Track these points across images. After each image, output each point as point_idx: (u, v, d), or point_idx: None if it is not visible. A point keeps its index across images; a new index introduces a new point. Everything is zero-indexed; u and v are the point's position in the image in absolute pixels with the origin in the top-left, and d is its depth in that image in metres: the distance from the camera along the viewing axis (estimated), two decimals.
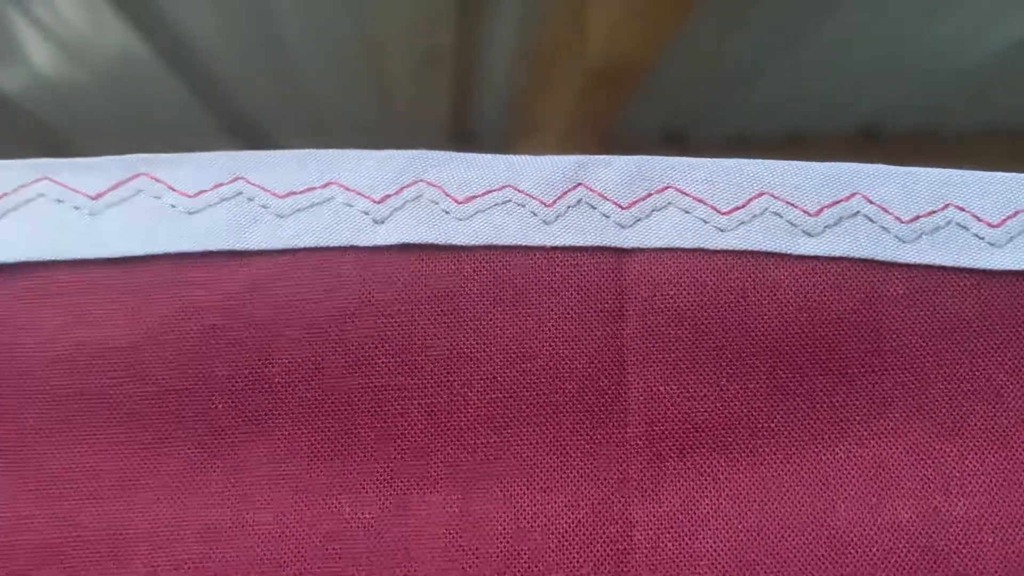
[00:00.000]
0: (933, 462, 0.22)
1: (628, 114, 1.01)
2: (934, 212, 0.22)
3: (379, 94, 1.10)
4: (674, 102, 1.17)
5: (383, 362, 0.22)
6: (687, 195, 0.22)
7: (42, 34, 0.91)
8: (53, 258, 0.22)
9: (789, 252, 0.22)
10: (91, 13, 0.91)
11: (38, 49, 0.95)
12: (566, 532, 0.21)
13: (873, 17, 1.00)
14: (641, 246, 0.22)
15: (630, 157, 0.23)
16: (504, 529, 0.21)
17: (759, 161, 0.23)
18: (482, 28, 0.99)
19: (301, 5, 0.95)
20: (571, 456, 0.22)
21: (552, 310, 0.22)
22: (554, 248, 0.22)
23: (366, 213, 0.22)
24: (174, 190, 0.22)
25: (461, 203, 0.22)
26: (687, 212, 0.22)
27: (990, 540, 0.21)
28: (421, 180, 0.23)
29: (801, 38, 1.03)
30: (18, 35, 0.89)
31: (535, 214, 0.22)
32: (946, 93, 1.20)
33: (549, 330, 0.22)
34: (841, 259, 0.22)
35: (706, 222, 0.22)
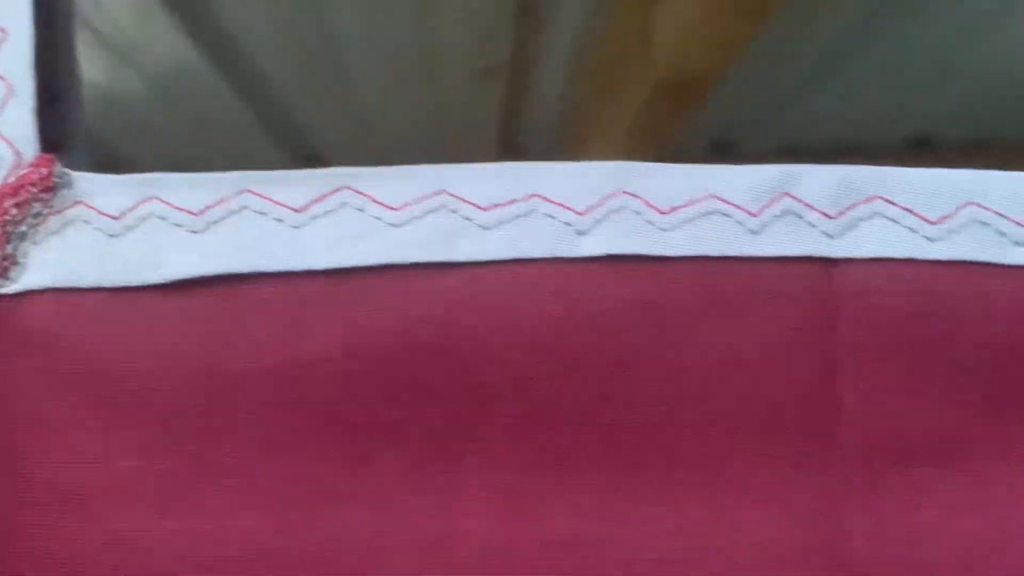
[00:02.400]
0: None
1: (692, 125, 1.00)
2: None
3: (435, 106, 1.10)
4: (725, 112, 1.16)
5: (594, 373, 0.22)
6: (895, 205, 0.22)
7: (95, 41, 0.91)
8: (258, 270, 0.22)
9: (1000, 262, 0.22)
10: (144, 21, 0.91)
11: (90, 56, 0.96)
12: (782, 544, 0.21)
13: (924, 30, 1.00)
14: (850, 256, 0.22)
15: (835, 167, 0.23)
16: (720, 543, 0.21)
17: (964, 171, 0.23)
18: (538, 42, 0.99)
19: (358, 16, 0.95)
20: (785, 468, 0.22)
21: (763, 321, 0.22)
22: (762, 258, 0.22)
23: (569, 224, 0.22)
24: (378, 202, 0.23)
25: (665, 213, 0.22)
26: (895, 222, 0.22)
27: None
28: (623, 191, 0.23)
29: (854, 50, 1.03)
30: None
31: (741, 224, 0.22)
32: (996, 104, 1.19)
33: (761, 341, 0.22)
34: None
35: (915, 232, 0.22)
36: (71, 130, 0.26)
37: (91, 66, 0.92)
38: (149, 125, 1.05)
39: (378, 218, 0.22)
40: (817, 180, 0.23)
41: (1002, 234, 0.22)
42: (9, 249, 0.22)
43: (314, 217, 0.23)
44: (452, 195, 0.23)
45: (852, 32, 0.93)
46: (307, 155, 1.14)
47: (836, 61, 0.98)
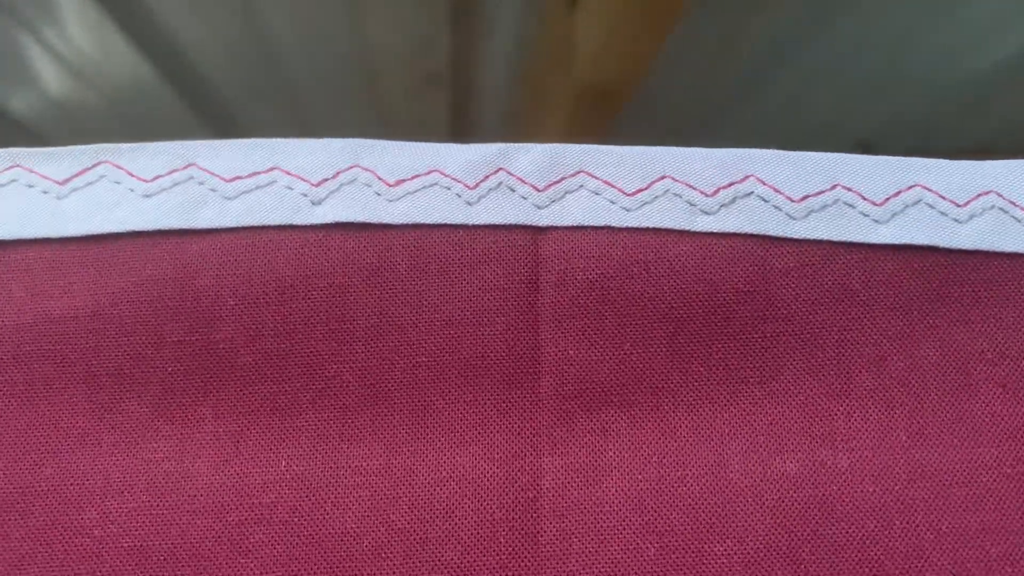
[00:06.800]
0: (821, 420, 0.24)
1: (620, 132, 1.03)
2: (822, 192, 0.24)
3: (377, 115, 1.13)
4: (667, 120, 1.19)
5: (318, 329, 0.24)
6: (596, 178, 0.25)
7: (52, 58, 0.95)
8: (23, 237, 0.25)
9: (688, 229, 0.24)
10: (100, 38, 0.94)
11: (48, 73, 0.99)
12: (480, 482, 0.23)
13: (865, 35, 1.02)
14: (555, 224, 0.24)
15: (547, 144, 0.25)
16: (423, 480, 0.23)
17: (663, 148, 0.25)
18: (476, 50, 1.02)
19: (301, 29, 0.98)
20: (487, 414, 0.24)
21: (473, 282, 0.24)
22: (476, 226, 0.24)
23: (305, 195, 0.25)
24: (133, 176, 0.25)
25: (392, 186, 0.25)
26: (596, 194, 0.24)
27: (870, 489, 0.23)
28: (356, 165, 0.25)
29: (794, 55, 1.05)
30: (28, 59, 0.93)
31: (459, 196, 0.25)
32: (938, 109, 1.21)
33: (470, 300, 0.24)
34: (736, 235, 0.24)
35: (613, 203, 0.24)
36: None
37: (50, 83, 0.95)
38: (104, 137, 1.07)
39: (131, 189, 0.25)
40: (530, 156, 0.25)
41: (692, 204, 0.24)
42: None
43: (75, 189, 0.25)
44: (200, 168, 0.25)
45: (790, 38, 0.95)
46: None
47: (778, 66, 1.00)
